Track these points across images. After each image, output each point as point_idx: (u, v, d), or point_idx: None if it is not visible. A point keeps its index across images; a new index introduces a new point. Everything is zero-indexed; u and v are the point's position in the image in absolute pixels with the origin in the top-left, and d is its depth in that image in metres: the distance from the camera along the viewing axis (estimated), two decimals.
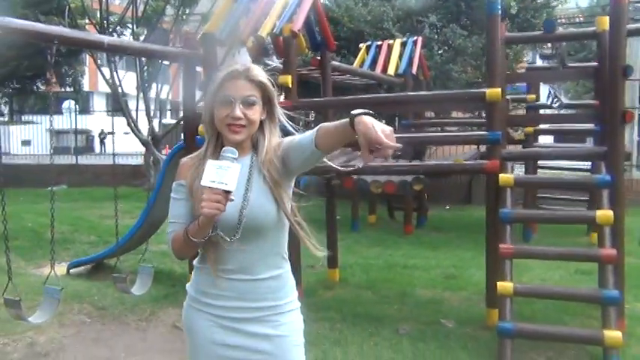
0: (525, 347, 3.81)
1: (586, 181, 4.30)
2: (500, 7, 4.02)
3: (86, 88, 24.62)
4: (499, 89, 3.97)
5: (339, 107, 4.89)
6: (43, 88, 15.37)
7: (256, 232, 1.74)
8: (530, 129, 7.01)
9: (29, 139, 20.25)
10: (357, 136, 1.52)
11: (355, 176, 4.53)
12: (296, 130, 1.91)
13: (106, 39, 3.87)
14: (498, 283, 3.72)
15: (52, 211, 3.87)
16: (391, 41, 8.38)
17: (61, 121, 19.90)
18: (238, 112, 1.71)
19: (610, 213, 3.64)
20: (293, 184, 1.86)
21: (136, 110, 11.97)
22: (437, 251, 7.00)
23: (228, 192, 1.59)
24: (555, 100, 5.31)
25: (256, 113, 1.75)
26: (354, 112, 1.56)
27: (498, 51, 4.09)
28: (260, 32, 4.68)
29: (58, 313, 4.67)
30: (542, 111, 7.16)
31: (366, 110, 1.56)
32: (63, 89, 14.90)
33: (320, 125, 1.67)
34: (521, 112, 7.93)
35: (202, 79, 5.01)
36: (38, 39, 3.40)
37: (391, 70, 7.90)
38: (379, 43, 8.47)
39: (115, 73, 11.29)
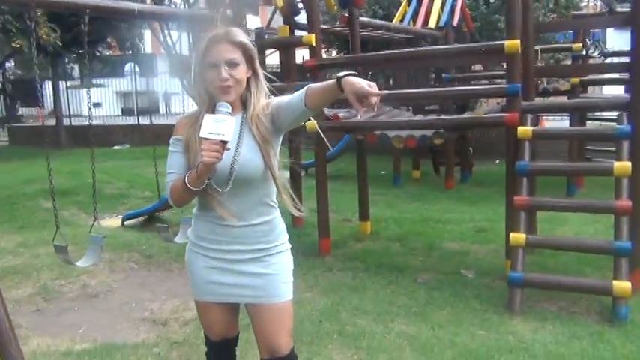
0: (540, 297, 3.90)
1: (606, 132, 4.20)
2: None
3: (149, 50, 25.40)
4: (517, 41, 3.93)
5: (361, 64, 4.95)
6: (105, 52, 16.14)
7: (246, 184, 1.93)
8: (575, 79, 6.79)
9: (99, 102, 21.25)
10: (347, 94, 1.72)
11: (378, 132, 4.64)
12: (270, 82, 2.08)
13: (136, 6, 4.12)
14: (511, 234, 3.80)
15: (94, 167, 4.23)
16: None
17: (127, 84, 20.77)
18: (225, 74, 1.86)
19: (627, 165, 3.60)
20: (280, 142, 2.03)
21: (191, 71, 12.35)
22: (475, 206, 7.02)
23: (224, 142, 1.76)
24: (596, 48, 5.12)
25: (241, 72, 1.91)
26: (340, 74, 1.76)
27: (518, 3, 4.02)
28: None
29: (109, 260, 5.19)
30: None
31: (351, 72, 1.76)
32: (123, 53, 15.54)
33: (308, 86, 1.85)
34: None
35: None
36: (71, 9, 3.69)
37: (432, 23, 7.78)
38: None
39: (168, 36, 11.69)
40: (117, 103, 22.82)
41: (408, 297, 4.00)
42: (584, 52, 5.57)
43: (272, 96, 2.03)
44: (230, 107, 1.83)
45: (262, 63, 6.57)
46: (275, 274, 2.01)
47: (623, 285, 3.39)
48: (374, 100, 1.68)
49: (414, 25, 7.99)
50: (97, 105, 21.19)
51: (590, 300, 3.79)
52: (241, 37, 1.93)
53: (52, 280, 4.68)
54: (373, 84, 1.68)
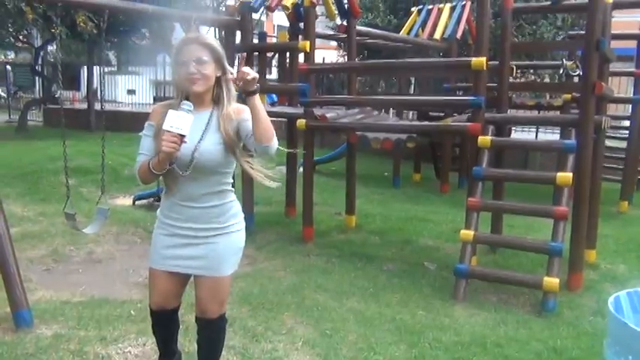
0: (486, 290, 4.34)
1: (554, 145, 4.60)
2: None
3: None
4: (484, 58, 4.35)
5: (346, 70, 5.43)
6: (139, 42, 16.93)
7: (204, 171, 2.25)
8: (567, 96, 7.13)
9: (134, 89, 22.04)
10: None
11: (359, 133, 5.12)
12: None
13: (150, 7, 4.68)
14: (461, 231, 4.26)
15: (103, 147, 4.78)
16: (441, 5, 8.60)
17: (160, 73, 21.54)
18: (192, 69, 2.18)
19: (569, 175, 4.01)
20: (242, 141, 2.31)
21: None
22: (462, 209, 7.38)
23: (182, 135, 2.09)
24: (571, 70, 5.48)
25: (208, 69, 2.21)
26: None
27: (487, 23, 4.45)
28: (285, 2, 5.31)
29: (115, 233, 5.79)
30: None
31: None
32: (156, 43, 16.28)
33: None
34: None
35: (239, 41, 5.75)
36: (92, 9, 4.26)
37: (437, 35, 8.17)
38: (430, 7, 8.73)
39: (196, 30, 12.33)
40: (150, 91, 23.66)
41: (368, 281, 4.47)
42: (560, 70, 5.95)
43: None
44: (192, 106, 2.16)
45: (270, 62, 7.13)
46: (220, 252, 2.33)
47: (552, 281, 3.81)
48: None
49: (423, 35, 8.41)
50: (130, 92, 22.08)
51: (530, 295, 4.21)
52: (210, 40, 2.27)
53: (63, 245, 5.30)
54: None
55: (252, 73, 2.12)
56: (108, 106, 17.58)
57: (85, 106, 16.42)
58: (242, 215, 2.44)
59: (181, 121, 2.09)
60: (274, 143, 2.20)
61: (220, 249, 2.34)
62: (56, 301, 3.93)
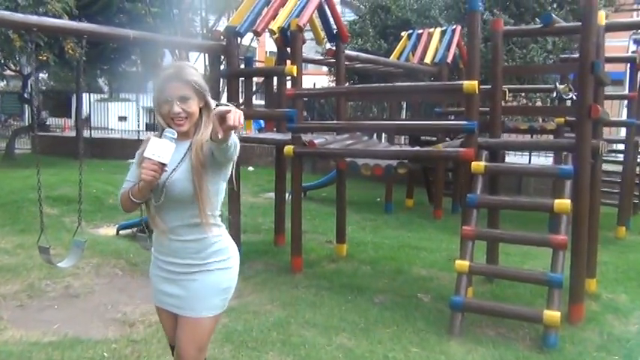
0: (483, 323, 4.12)
1: (551, 171, 4.45)
2: (480, 4, 4.24)
3: None
4: (476, 82, 4.21)
5: (335, 95, 5.29)
6: (129, 69, 16.86)
7: (177, 201, 2.14)
8: (561, 120, 7.02)
9: (125, 116, 21.94)
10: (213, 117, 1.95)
11: (349, 159, 4.95)
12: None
13: (131, 33, 4.53)
14: (456, 262, 4.05)
15: (81, 176, 4.58)
16: (432, 30, 8.56)
17: (151, 100, 21.47)
18: (177, 109, 2.10)
19: (567, 202, 3.83)
20: (226, 173, 2.20)
21: None
22: (455, 236, 7.16)
23: (163, 164, 2.01)
24: (564, 93, 5.36)
25: (192, 105, 2.13)
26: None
27: (477, 46, 4.32)
28: (271, 26, 5.19)
29: (95, 265, 5.54)
30: None
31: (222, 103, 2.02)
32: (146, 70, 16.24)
33: None
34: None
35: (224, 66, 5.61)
36: (72, 34, 4.11)
37: (428, 59, 8.10)
38: (420, 31, 8.68)
39: (186, 57, 12.24)
40: (142, 117, 23.50)
41: (359, 315, 4.24)
42: (553, 94, 5.84)
43: None
44: (175, 134, 2.07)
45: (261, 86, 7.02)
46: (196, 291, 2.19)
47: (553, 314, 3.60)
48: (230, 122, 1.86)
49: (413, 59, 8.34)
50: (122, 119, 21.95)
51: (530, 328, 3.99)
52: (191, 75, 2.15)
53: (39, 279, 5.03)
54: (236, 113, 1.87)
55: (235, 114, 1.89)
56: (98, 134, 17.47)
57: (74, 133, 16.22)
58: (231, 253, 2.26)
59: (163, 149, 2.01)
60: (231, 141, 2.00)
61: (197, 288, 2.19)
62: (25, 342, 3.68)
